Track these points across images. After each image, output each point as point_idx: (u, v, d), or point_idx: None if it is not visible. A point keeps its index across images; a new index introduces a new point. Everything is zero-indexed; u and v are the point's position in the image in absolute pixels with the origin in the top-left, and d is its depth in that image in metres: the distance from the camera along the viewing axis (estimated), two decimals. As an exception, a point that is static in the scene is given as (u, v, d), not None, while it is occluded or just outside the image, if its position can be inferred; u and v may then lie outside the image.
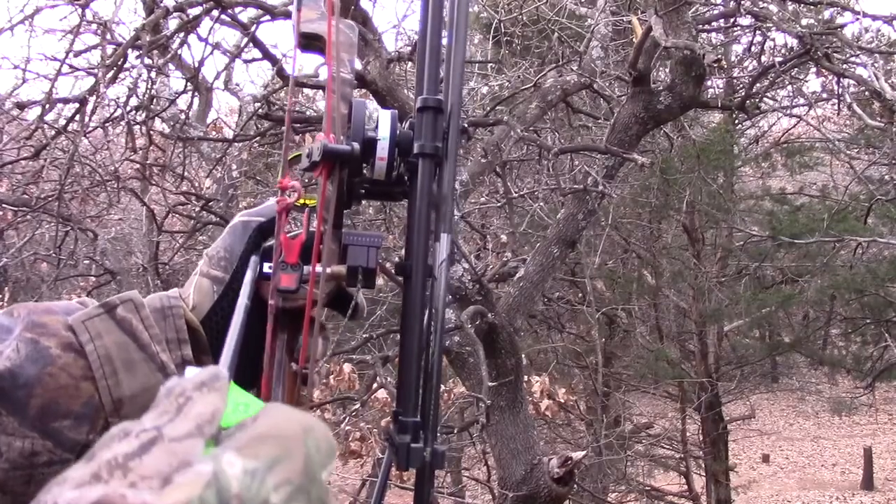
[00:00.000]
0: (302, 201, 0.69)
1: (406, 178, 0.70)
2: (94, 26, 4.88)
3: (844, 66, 4.79)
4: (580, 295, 8.93)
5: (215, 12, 4.35)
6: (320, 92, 6.75)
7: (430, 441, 0.65)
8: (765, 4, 5.29)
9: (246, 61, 6.22)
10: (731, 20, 5.99)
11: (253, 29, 4.53)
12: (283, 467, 0.34)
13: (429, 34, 0.72)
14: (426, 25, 0.72)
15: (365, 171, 0.70)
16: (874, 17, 4.80)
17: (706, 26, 6.02)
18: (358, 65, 4.34)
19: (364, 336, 4.98)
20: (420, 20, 0.73)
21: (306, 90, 6.67)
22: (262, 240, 0.77)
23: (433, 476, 0.66)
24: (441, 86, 0.71)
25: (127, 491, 0.31)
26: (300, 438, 0.36)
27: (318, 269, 0.66)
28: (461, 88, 0.73)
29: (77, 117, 4.33)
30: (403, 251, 0.70)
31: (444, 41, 0.72)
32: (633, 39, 4.87)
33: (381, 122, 0.69)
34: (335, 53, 0.69)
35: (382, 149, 0.68)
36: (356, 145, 0.66)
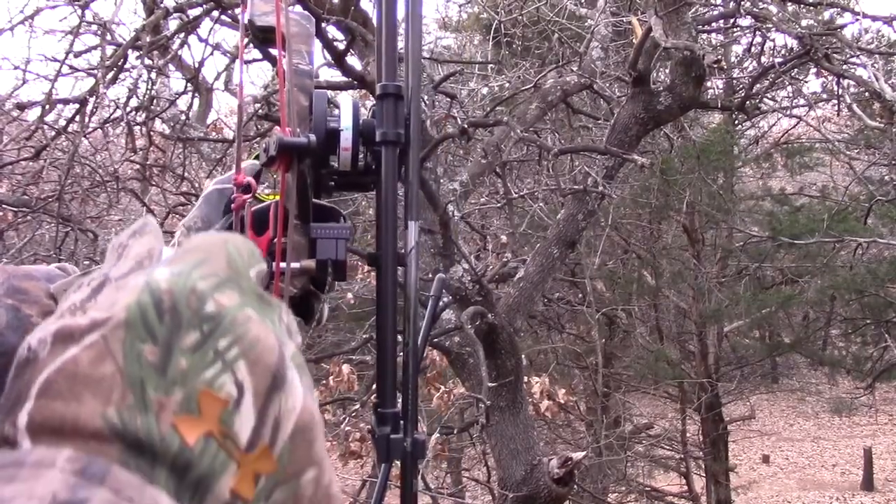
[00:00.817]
0: (270, 196, 0.69)
1: (374, 167, 0.69)
2: (94, 27, 4.88)
3: (844, 66, 4.79)
4: (580, 295, 8.93)
5: (215, 13, 4.36)
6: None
7: (410, 431, 0.65)
8: (765, 5, 5.29)
9: (246, 62, 6.22)
10: (731, 21, 5.99)
11: (253, 29, 4.52)
12: (206, 265, 0.38)
13: (384, 18, 0.71)
14: (382, 10, 0.71)
15: (333, 164, 0.69)
16: (874, 18, 4.80)
17: (706, 27, 6.02)
18: (357, 65, 4.34)
19: (364, 336, 4.98)
20: (376, 4, 0.73)
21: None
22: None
23: (416, 466, 0.66)
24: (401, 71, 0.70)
25: (80, 319, 0.35)
26: (220, 245, 0.40)
27: (283, 265, 0.65)
28: (420, 73, 0.72)
29: (77, 118, 4.33)
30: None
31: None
32: (633, 40, 4.87)
33: (343, 111, 0.68)
34: (287, 45, 0.67)
35: (346, 139, 0.67)
36: (313, 137, 0.64)
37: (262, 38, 0.74)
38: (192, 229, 0.75)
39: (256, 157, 0.70)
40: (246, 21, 0.73)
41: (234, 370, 0.35)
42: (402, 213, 0.70)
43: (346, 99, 0.68)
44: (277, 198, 0.68)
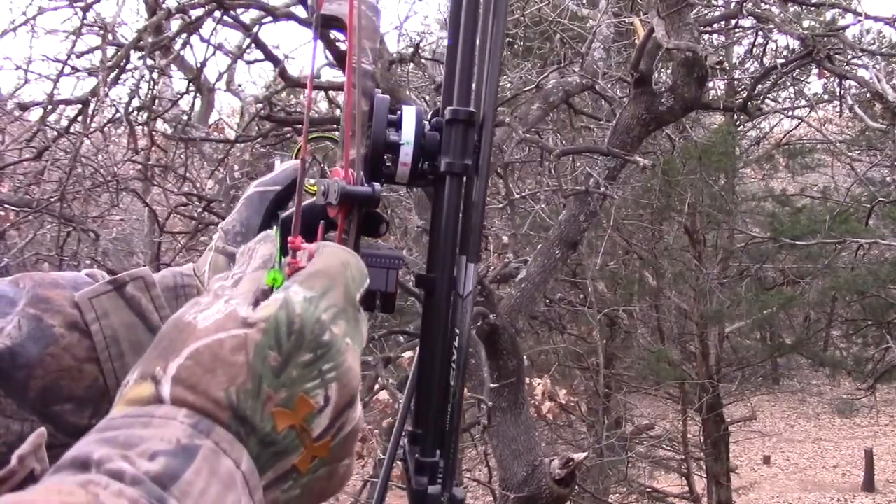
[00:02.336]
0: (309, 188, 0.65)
1: (429, 175, 0.64)
2: (96, 28, 4.89)
3: (846, 67, 4.79)
4: (581, 296, 8.93)
5: (217, 13, 4.36)
6: (322, 92, 6.76)
7: (450, 486, 0.62)
8: (767, 6, 5.29)
9: (248, 62, 6.23)
10: (734, 22, 5.99)
11: (255, 30, 4.53)
12: (331, 295, 0.49)
13: (461, 36, 0.65)
14: (457, 25, 0.65)
15: (385, 165, 0.64)
16: (876, 19, 4.80)
17: (708, 28, 6.02)
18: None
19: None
20: (449, 19, 0.66)
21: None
22: (278, 210, 0.74)
23: None
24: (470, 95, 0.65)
25: (235, 306, 0.47)
26: (341, 273, 0.50)
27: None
28: (496, 98, 0.66)
29: (79, 118, 4.33)
30: (425, 265, 0.65)
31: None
32: (636, 41, 4.87)
33: (405, 124, 0.63)
34: (356, 41, 0.61)
35: (406, 154, 0.63)
36: (378, 187, 0.60)
37: (323, 24, 0.68)
38: (230, 233, 0.73)
39: (308, 192, 0.66)
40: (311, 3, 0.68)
41: (328, 388, 0.47)
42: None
43: (409, 110, 0.64)
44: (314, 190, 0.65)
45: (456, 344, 0.64)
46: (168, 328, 0.48)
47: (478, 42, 0.66)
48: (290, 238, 0.53)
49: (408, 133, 0.63)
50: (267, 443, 0.45)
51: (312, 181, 0.67)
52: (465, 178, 0.64)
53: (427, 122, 0.64)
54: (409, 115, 0.63)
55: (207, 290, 0.51)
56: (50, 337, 0.60)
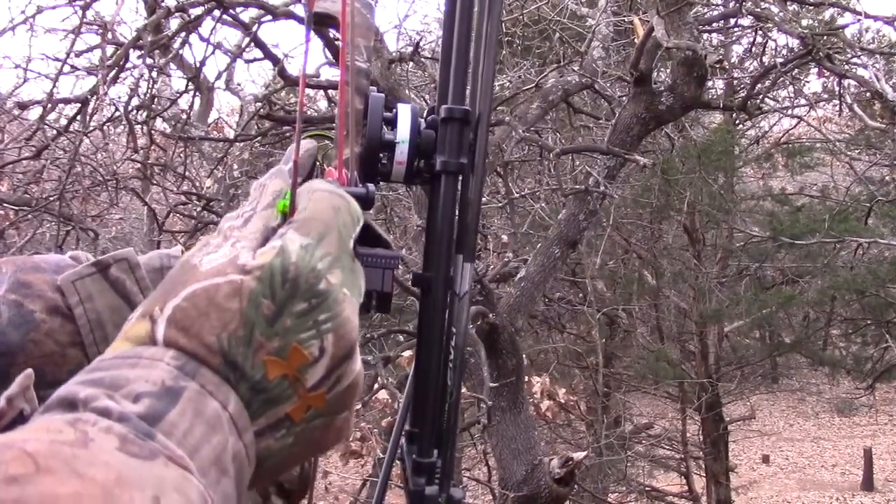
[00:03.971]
0: None
1: (425, 173, 0.64)
2: (95, 26, 4.88)
3: (846, 66, 4.79)
4: (581, 295, 8.93)
5: (217, 12, 4.35)
6: (321, 91, 6.76)
7: (447, 486, 0.61)
8: (766, 5, 5.29)
9: (247, 61, 6.23)
10: (733, 20, 5.99)
11: (254, 29, 4.53)
12: (326, 242, 0.48)
13: (456, 34, 0.65)
14: (452, 24, 0.65)
15: (381, 163, 0.64)
16: (875, 18, 4.80)
17: (707, 27, 6.02)
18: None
19: (365, 336, 4.98)
20: (444, 18, 0.66)
21: (308, 90, 6.66)
22: None
23: None
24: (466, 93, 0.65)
25: (239, 250, 0.47)
26: (334, 218, 0.50)
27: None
28: (491, 96, 0.66)
29: (78, 117, 4.33)
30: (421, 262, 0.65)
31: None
32: (635, 40, 4.87)
33: (401, 122, 0.63)
34: (350, 39, 0.61)
35: (401, 153, 0.62)
36: (372, 188, 0.59)
37: (317, 21, 0.66)
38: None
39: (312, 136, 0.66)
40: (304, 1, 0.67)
41: (323, 338, 0.46)
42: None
43: (404, 109, 0.63)
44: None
45: (453, 343, 0.64)
46: (174, 270, 0.48)
47: (473, 40, 0.65)
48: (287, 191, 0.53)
49: (403, 131, 0.63)
50: (258, 390, 0.45)
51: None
52: (460, 177, 0.64)
53: (423, 121, 0.64)
54: (404, 113, 0.63)
55: (219, 230, 0.51)
56: (31, 323, 0.60)
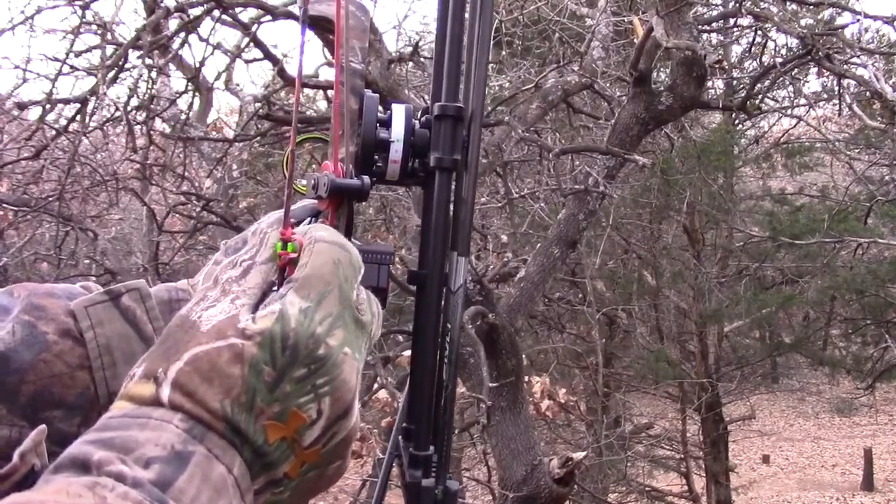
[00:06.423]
0: (304, 188, 0.66)
1: (420, 172, 0.65)
2: (94, 27, 4.88)
3: (845, 66, 4.79)
4: (581, 295, 8.93)
5: (216, 12, 4.35)
6: (321, 91, 6.76)
7: (443, 478, 0.62)
8: (765, 5, 5.29)
9: (247, 61, 6.23)
10: (732, 20, 5.99)
11: (254, 29, 4.53)
12: (326, 303, 0.49)
13: (448, 32, 0.65)
14: (445, 21, 0.65)
15: (377, 164, 0.64)
16: (874, 18, 4.81)
17: (707, 27, 6.02)
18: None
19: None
20: (438, 16, 0.66)
21: (306, 90, 6.67)
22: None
23: None
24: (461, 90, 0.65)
25: (239, 308, 0.48)
26: (334, 273, 0.51)
27: None
28: (484, 93, 0.67)
29: (77, 117, 4.33)
30: (417, 260, 0.66)
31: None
32: (635, 40, 4.87)
33: (395, 121, 0.63)
34: (343, 40, 0.61)
35: (396, 151, 0.63)
36: (367, 180, 0.60)
37: (311, 22, 0.67)
38: (231, 248, 0.70)
39: (298, 191, 0.66)
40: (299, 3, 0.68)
41: (321, 402, 0.48)
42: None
43: (398, 108, 0.64)
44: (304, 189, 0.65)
45: (448, 338, 0.65)
46: (174, 325, 0.49)
47: (465, 37, 0.66)
48: (281, 230, 0.54)
49: (397, 131, 0.63)
50: (260, 453, 0.47)
51: (303, 182, 0.67)
52: (454, 174, 0.64)
53: (417, 120, 0.65)
54: (398, 113, 0.64)
55: (216, 279, 0.53)
56: (43, 343, 0.61)
